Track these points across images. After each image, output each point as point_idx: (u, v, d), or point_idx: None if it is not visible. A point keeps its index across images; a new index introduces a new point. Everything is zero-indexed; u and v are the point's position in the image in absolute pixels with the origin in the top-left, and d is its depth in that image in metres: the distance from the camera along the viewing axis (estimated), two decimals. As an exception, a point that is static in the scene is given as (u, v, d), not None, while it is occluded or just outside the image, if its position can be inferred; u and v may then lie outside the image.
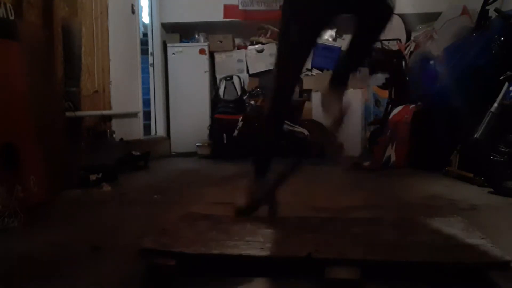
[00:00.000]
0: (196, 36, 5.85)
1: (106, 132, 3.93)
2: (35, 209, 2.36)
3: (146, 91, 5.55)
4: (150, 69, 5.71)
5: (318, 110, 5.23)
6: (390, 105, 4.57)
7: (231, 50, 5.81)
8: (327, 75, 5.32)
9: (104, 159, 3.51)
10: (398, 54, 4.85)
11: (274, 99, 2.11)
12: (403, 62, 4.72)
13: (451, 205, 2.53)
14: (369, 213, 2.22)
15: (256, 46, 5.75)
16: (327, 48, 5.43)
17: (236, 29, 5.86)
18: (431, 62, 4.02)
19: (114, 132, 4.06)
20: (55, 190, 2.73)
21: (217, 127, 5.33)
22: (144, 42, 5.54)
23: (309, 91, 5.44)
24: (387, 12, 1.95)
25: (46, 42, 2.98)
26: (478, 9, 3.90)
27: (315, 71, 5.56)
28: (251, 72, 5.80)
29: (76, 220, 2.34)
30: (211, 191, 3.01)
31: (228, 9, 5.73)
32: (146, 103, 5.56)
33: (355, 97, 4.77)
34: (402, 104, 4.25)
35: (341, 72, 2.14)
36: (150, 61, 5.69)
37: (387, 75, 4.79)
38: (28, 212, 2.21)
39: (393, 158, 4.07)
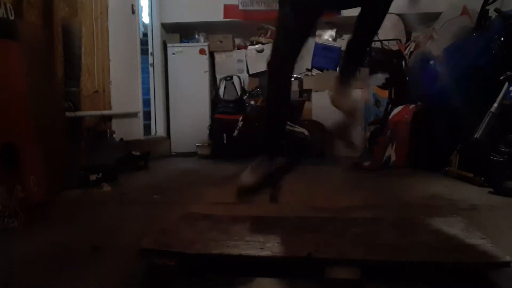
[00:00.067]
0: (196, 36, 5.85)
1: (106, 132, 3.93)
2: (35, 209, 2.35)
3: (146, 91, 5.55)
4: (150, 69, 5.71)
5: (318, 110, 5.24)
6: (390, 105, 4.57)
7: (231, 50, 5.82)
8: (327, 75, 5.34)
9: (104, 159, 3.51)
10: (398, 54, 4.85)
11: (270, 92, 2.11)
12: (403, 62, 4.72)
13: (451, 205, 2.53)
14: (369, 213, 2.22)
15: (256, 46, 5.76)
16: (327, 48, 5.44)
17: (236, 29, 5.86)
18: (431, 62, 4.02)
19: (114, 132, 4.06)
20: (55, 190, 2.73)
21: (217, 127, 5.33)
22: (144, 42, 5.54)
23: (309, 91, 5.44)
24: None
25: (46, 42, 2.98)
26: (478, 9, 3.91)
27: (315, 71, 5.56)
28: (251, 72, 5.80)
29: (76, 220, 2.34)
30: (211, 191, 3.01)
31: (228, 9, 5.73)
32: (146, 103, 5.57)
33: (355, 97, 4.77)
34: (402, 104, 4.25)
35: (346, 66, 2.17)
36: (150, 61, 5.69)
37: (387, 75, 4.78)
38: (28, 212, 2.21)
39: (393, 158, 4.07)
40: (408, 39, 5.47)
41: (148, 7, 5.77)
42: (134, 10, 4.96)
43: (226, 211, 2.02)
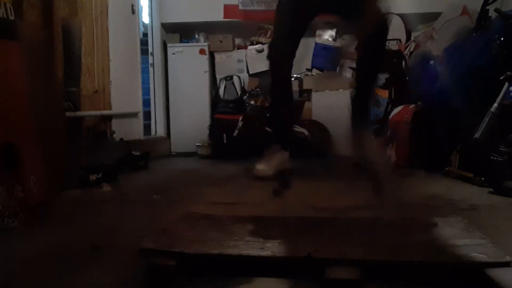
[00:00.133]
0: (196, 36, 5.85)
1: (106, 132, 3.93)
2: (35, 209, 2.35)
3: (146, 91, 5.55)
4: (150, 69, 5.71)
5: (318, 110, 5.24)
6: (390, 105, 4.56)
7: (231, 50, 5.81)
8: (327, 75, 5.34)
9: (104, 159, 3.51)
10: (398, 54, 4.85)
11: (273, 83, 2.20)
12: (403, 62, 4.72)
13: (451, 205, 2.53)
14: (369, 213, 2.22)
15: (256, 46, 5.75)
16: (327, 48, 5.43)
17: (236, 29, 5.86)
18: (431, 62, 4.02)
19: (114, 132, 4.06)
20: (55, 190, 2.73)
21: (217, 127, 5.33)
22: (144, 42, 5.54)
23: (309, 91, 5.44)
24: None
25: (46, 42, 2.97)
26: (478, 9, 3.90)
27: (315, 71, 5.56)
28: (251, 72, 5.80)
29: (76, 220, 2.34)
30: (211, 191, 3.01)
31: (228, 9, 5.73)
32: (146, 103, 5.56)
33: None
34: (402, 104, 4.25)
35: (356, 119, 2.22)
36: (150, 61, 5.69)
37: (387, 75, 4.78)
38: (28, 212, 2.22)
39: (393, 158, 4.07)
40: (408, 39, 5.46)
41: (148, 7, 5.77)
42: (134, 10, 4.96)
43: (226, 211, 2.02)
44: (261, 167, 2.14)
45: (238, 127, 5.10)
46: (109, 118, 4.07)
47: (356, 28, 2.13)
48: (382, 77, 4.85)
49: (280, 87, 2.21)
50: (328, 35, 5.63)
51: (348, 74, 4.96)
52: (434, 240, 1.58)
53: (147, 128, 5.53)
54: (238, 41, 5.96)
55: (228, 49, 5.80)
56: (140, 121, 5.08)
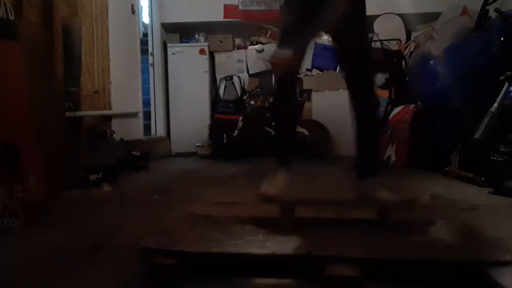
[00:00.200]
0: (196, 36, 5.85)
1: (106, 132, 3.93)
2: (35, 209, 2.35)
3: (146, 91, 5.55)
4: (150, 69, 5.71)
5: (318, 110, 5.24)
6: (390, 105, 4.56)
7: (231, 50, 5.81)
8: (327, 75, 5.34)
9: (104, 159, 3.51)
10: (398, 54, 4.85)
11: (277, 98, 2.20)
12: (403, 62, 4.72)
13: (451, 205, 2.53)
14: (369, 213, 2.22)
15: (256, 46, 5.75)
16: (327, 48, 5.42)
17: (236, 29, 5.86)
18: (431, 62, 4.02)
19: (114, 132, 4.06)
20: (55, 190, 2.73)
21: (217, 127, 5.33)
22: (144, 42, 5.54)
23: (309, 91, 5.44)
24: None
25: (46, 42, 2.98)
26: (478, 9, 3.90)
27: (315, 71, 5.56)
28: (251, 72, 5.80)
29: (76, 220, 2.34)
30: (211, 191, 3.01)
31: (228, 9, 5.73)
32: (146, 103, 5.56)
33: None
34: (402, 104, 4.25)
35: (361, 159, 2.16)
36: (150, 61, 5.69)
37: (387, 75, 4.78)
38: (28, 212, 2.21)
39: (393, 158, 4.07)
40: (408, 39, 5.46)
41: (148, 7, 5.77)
42: (134, 10, 4.96)
43: (226, 211, 2.02)
44: (265, 188, 2.13)
45: (238, 127, 5.10)
46: (109, 118, 4.07)
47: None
48: (382, 77, 4.86)
49: (284, 100, 2.22)
50: (328, 35, 5.62)
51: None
52: (434, 240, 1.58)
53: (147, 128, 5.53)
54: (238, 41, 5.96)
55: (228, 49, 5.80)
56: (140, 121, 5.08)
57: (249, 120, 5.12)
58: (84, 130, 3.61)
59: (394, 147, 4.08)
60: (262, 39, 5.73)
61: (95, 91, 3.88)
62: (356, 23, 2.06)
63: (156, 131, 5.78)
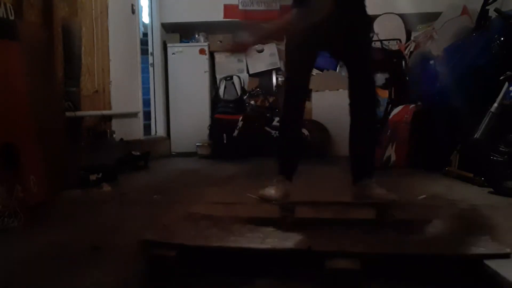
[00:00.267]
0: (196, 36, 5.85)
1: (106, 132, 3.93)
2: (35, 209, 2.35)
3: (146, 91, 5.55)
4: (150, 69, 5.71)
5: (318, 110, 5.24)
6: (390, 105, 4.57)
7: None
8: (327, 75, 5.34)
9: (104, 159, 3.51)
10: (398, 54, 4.85)
11: (285, 115, 2.35)
12: (403, 62, 4.72)
13: (451, 205, 2.53)
14: (369, 213, 2.22)
15: (256, 46, 5.75)
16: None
17: (236, 29, 5.86)
18: (431, 62, 4.02)
19: (114, 132, 4.06)
20: (55, 190, 2.73)
21: (217, 127, 5.34)
22: (144, 42, 5.54)
23: (309, 91, 5.43)
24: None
25: (46, 42, 2.98)
26: (478, 9, 3.90)
27: (315, 71, 5.55)
28: (251, 72, 5.81)
29: (76, 220, 2.34)
30: (211, 191, 3.01)
31: (228, 9, 5.73)
32: (146, 103, 5.57)
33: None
34: (402, 104, 4.25)
35: (355, 165, 2.23)
36: (150, 61, 5.69)
37: (387, 75, 4.79)
38: (28, 212, 2.21)
39: (393, 158, 4.07)
40: (408, 39, 5.47)
41: (148, 7, 5.77)
42: (134, 10, 4.96)
43: (226, 211, 2.02)
44: (267, 192, 2.22)
45: (238, 127, 5.10)
46: (109, 118, 4.07)
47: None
48: (382, 77, 4.86)
49: (292, 119, 2.31)
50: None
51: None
52: (433, 238, 1.58)
53: (147, 128, 5.53)
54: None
55: (228, 49, 5.79)
56: (140, 121, 5.08)
57: (249, 120, 5.13)
58: (84, 130, 3.61)
59: (394, 147, 4.08)
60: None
61: (95, 91, 3.88)
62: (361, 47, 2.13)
63: (156, 131, 5.78)
